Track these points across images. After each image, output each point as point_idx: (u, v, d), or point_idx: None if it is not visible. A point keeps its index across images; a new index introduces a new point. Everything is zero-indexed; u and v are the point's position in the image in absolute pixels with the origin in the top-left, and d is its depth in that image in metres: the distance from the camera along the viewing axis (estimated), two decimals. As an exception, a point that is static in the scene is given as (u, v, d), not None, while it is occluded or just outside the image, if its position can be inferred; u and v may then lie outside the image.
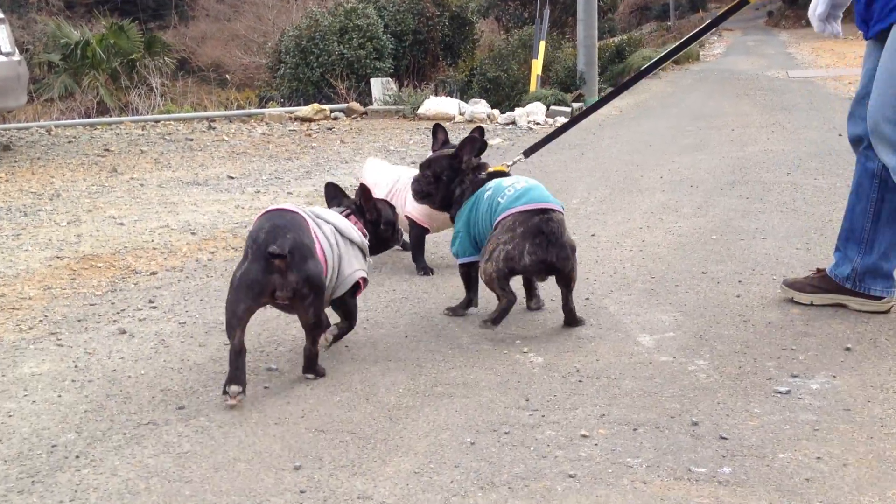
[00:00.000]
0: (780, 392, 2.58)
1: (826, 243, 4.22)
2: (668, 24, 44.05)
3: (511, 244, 3.10)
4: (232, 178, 6.99)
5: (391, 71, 15.21)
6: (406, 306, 3.60)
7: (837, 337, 3.01)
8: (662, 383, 2.70)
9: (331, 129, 10.15)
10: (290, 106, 12.72)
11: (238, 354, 2.62)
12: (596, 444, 2.31)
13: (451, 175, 3.46)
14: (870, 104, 3.01)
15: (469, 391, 2.71)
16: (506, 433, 2.40)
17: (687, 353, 2.95)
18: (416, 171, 3.67)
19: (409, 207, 3.96)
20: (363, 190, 3.10)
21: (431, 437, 2.40)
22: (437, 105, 11.06)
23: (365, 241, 3.04)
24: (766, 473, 2.11)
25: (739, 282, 3.73)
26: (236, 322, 2.63)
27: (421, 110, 11.04)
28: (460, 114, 10.85)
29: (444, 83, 15.34)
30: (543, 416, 2.50)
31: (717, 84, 15.06)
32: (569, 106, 11.39)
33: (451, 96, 12.78)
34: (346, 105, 11.79)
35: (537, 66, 13.50)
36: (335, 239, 2.86)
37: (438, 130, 3.68)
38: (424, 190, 3.51)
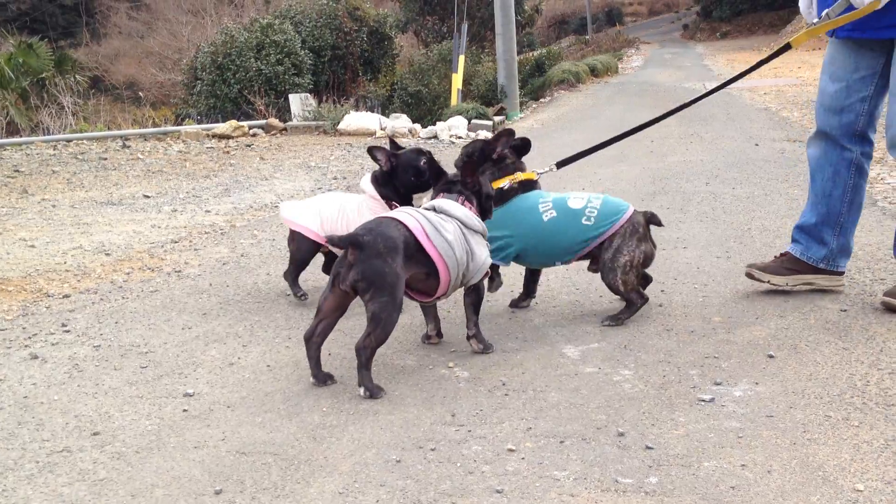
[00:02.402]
0: (703, 400, 2.59)
1: (745, 251, 4.30)
2: (587, 37, 44.73)
3: (640, 248, 3.31)
4: (148, 197, 6.81)
5: (310, 86, 15.09)
6: (329, 324, 3.53)
7: (759, 344, 3.04)
8: (588, 395, 2.69)
9: (250, 146, 10.00)
10: (207, 123, 12.49)
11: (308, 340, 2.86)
12: (523, 458, 2.28)
13: (481, 158, 3.45)
14: (890, 115, 3.21)
15: (394, 408, 2.65)
16: (432, 450, 2.36)
17: (612, 363, 2.95)
18: (348, 197, 3.80)
19: None
20: (466, 167, 3.13)
21: (356, 456, 2.34)
22: (358, 120, 11.00)
23: (484, 227, 3.07)
24: (691, 482, 2.10)
25: (662, 291, 3.75)
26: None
27: (341, 126, 10.96)
28: (381, 129, 10.81)
29: (364, 98, 15.30)
30: (470, 431, 2.47)
31: (635, 96, 15.33)
32: (490, 119, 11.44)
33: (373, 111, 12.74)
34: (265, 121, 11.64)
35: (457, 81, 13.55)
36: (461, 234, 2.93)
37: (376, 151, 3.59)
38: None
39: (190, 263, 4.64)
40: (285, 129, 11.51)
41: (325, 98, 13.55)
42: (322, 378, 2.88)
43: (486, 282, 3.14)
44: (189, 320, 3.65)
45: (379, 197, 3.62)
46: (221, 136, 10.74)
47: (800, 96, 12.55)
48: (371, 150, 3.58)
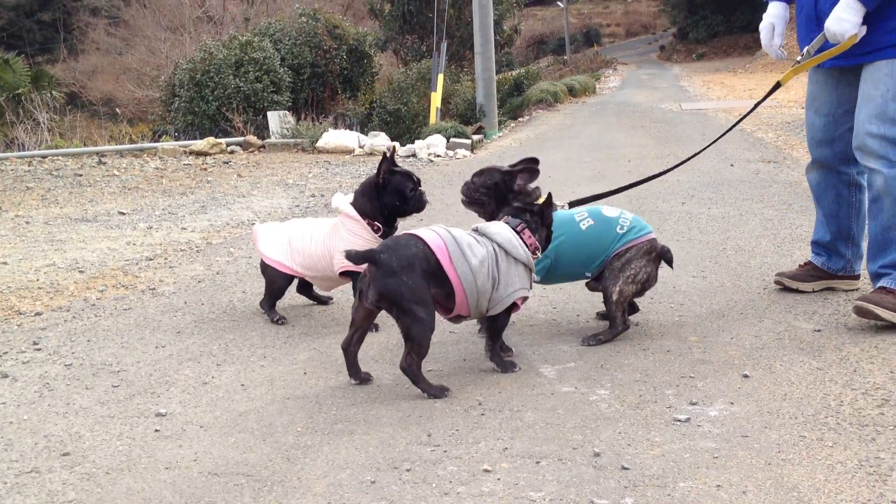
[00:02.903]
0: (679, 420, 2.59)
1: (720, 270, 4.32)
2: (565, 58, 45.11)
3: (647, 268, 3.38)
4: (123, 213, 6.76)
5: (289, 104, 15.08)
6: (305, 342, 3.51)
7: (734, 364, 3.05)
8: (564, 414, 2.68)
9: (227, 163, 9.96)
10: (184, 140, 12.44)
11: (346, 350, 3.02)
12: (499, 479, 2.27)
13: (504, 192, 3.41)
14: (858, 123, 3.46)
15: (370, 428, 2.63)
16: (407, 470, 2.34)
17: (588, 383, 2.94)
18: (319, 222, 3.79)
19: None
20: (547, 201, 3.13)
21: (331, 477, 2.31)
22: (337, 138, 10.99)
23: (531, 259, 3.05)
24: (667, 503, 2.10)
25: (639, 310, 3.76)
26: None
27: (320, 143, 10.95)
28: (360, 147, 10.80)
29: (343, 116, 15.30)
30: (445, 451, 2.45)
31: (613, 116, 15.44)
32: (469, 138, 11.47)
33: (352, 129, 12.73)
34: (243, 138, 11.60)
35: (436, 99, 13.59)
36: (494, 260, 2.94)
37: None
38: (474, 196, 3.47)
39: (165, 281, 4.60)
40: (263, 146, 11.48)
41: (303, 116, 13.53)
42: (362, 377, 3.04)
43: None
44: (163, 339, 3.61)
45: (358, 216, 3.57)
46: (199, 153, 10.70)
47: (774, 118, 12.67)
48: (384, 155, 3.56)
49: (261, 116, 13.79)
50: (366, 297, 2.84)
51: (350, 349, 3.00)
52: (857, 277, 3.89)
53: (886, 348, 3.10)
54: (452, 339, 3.46)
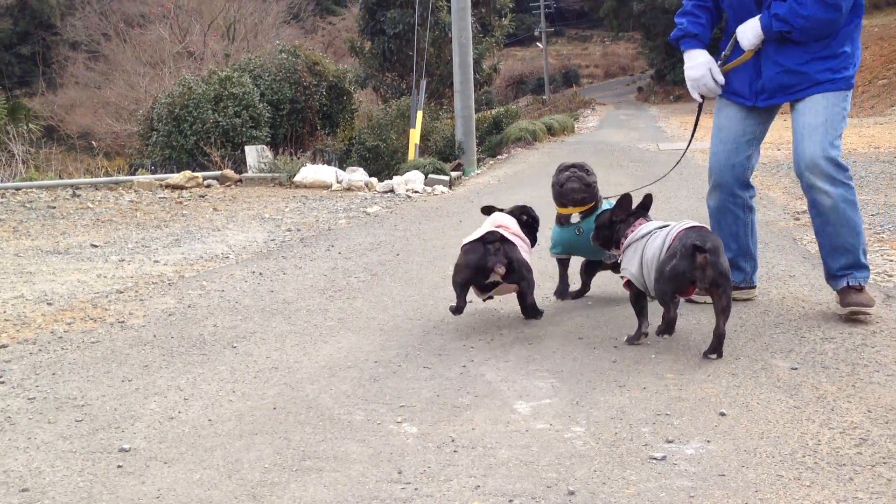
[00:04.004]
0: (655, 458, 2.54)
1: (696, 308, 4.29)
2: (544, 97, 45.56)
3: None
4: (95, 246, 6.67)
5: (268, 139, 15.07)
6: (276, 376, 3.44)
7: (711, 401, 3.01)
8: (539, 452, 2.63)
9: (203, 197, 9.89)
10: (161, 173, 12.36)
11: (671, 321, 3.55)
12: (471, 518, 2.21)
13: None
14: (804, 150, 3.89)
15: (339, 465, 2.57)
16: (377, 509, 2.28)
17: (563, 419, 2.89)
18: None
19: None
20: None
21: (297, 517, 2.25)
22: (315, 173, 10.96)
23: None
24: (643, 543, 2.05)
25: (615, 347, 3.72)
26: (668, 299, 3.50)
27: (297, 178, 10.91)
28: (338, 182, 10.77)
29: (322, 152, 15.30)
30: (416, 489, 2.39)
31: (591, 155, 15.50)
32: (447, 175, 11.48)
33: (330, 164, 12.71)
34: (220, 172, 11.53)
35: (415, 136, 13.62)
36: None
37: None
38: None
39: (134, 314, 4.52)
40: (240, 180, 11.42)
41: (282, 151, 13.50)
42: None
43: None
44: (129, 372, 3.53)
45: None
46: (175, 187, 10.62)
47: (751, 158, 12.77)
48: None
49: (239, 151, 13.75)
50: (705, 278, 3.33)
51: (675, 317, 3.54)
52: (754, 287, 4.44)
53: (863, 387, 3.07)
54: (426, 374, 3.41)
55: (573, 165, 4.41)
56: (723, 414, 2.88)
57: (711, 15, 4.17)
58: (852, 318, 3.87)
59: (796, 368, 3.31)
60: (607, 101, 45.27)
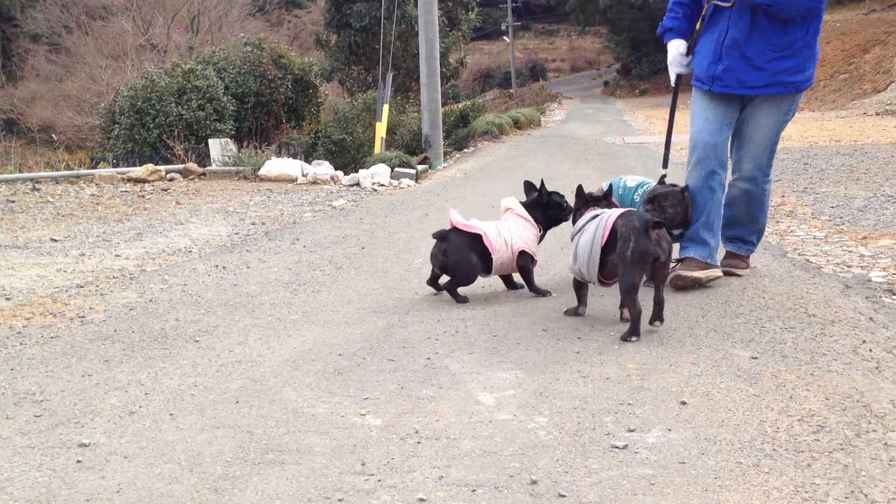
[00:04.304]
0: (617, 447, 2.56)
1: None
2: (510, 91, 45.60)
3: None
4: (55, 240, 6.58)
5: (233, 132, 14.94)
6: (239, 370, 3.41)
7: (672, 391, 3.04)
8: (502, 442, 2.64)
9: (166, 191, 9.79)
10: (123, 167, 12.21)
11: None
12: (433, 509, 2.21)
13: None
14: (744, 161, 4.60)
15: (302, 458, 2.56)
16: (339, 500, 2.27)
17: (527, 410, 2.90)
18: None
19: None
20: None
21: (259, 510, 2.23)
22: (279, 166, 10.88)
23: None
24: (604, 530, 2.06)
25: (579, 338, 3.74)
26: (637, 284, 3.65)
27: (262, 171, 10.83)
28: (303, 175, 10.72)
29: (288, 145, 15.20)
30: (380, 480, 2.39)
31: (557, 148, 15.56)
32: (413, 168, 11.46)
33: (296, 158, 12.63)
34: (183, 166, 11.42)
35: (381, 129, 13.58)
36: None
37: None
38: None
39: (95, 309, 4.47)
40: (204, 173, 11.31)
41: (247, 144, 13.38)
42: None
43: None
44: (89, 367, 3.49)
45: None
46: (137, 180, 10.50)
47: (714, 151, 12.88)
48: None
49: (203, 144, 13.61)
50: (662, 252, 3.61)
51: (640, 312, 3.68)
52: (718, 266, 4.63)
53: (822, 375, 3.12)
54: (390, 367, 3.40)
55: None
56: (684, 403, 2.91)
57: (688, 8, 4.50)
58: (726, 274, 4.66)
59: (756, 358, 3.35)
60: (574, 94, 45.42)
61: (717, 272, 4.56)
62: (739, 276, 4.72)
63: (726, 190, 4.66)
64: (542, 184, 4.67)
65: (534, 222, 4.55)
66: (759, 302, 4.20)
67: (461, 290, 4.48)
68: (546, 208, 4.61)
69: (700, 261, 4.52)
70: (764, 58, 4.26)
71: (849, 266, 4.97)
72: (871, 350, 3.39)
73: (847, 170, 9.43)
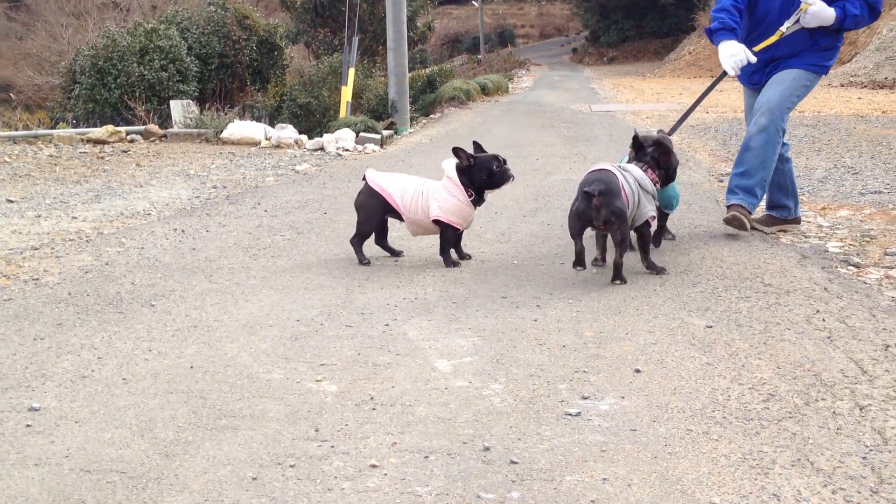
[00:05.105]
0: (570, 414, 2.58)
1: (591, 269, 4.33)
2: (479, 57, 45.29)
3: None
4: (11, 201, 6.46)
5: (196, 94, 14.70)
6: (194, 335, 3.38)
7: (627, 359, 3.06)
8: (457, 409, 2.64)
9: (126, 152, 9.63)
10: (84, 128, 11.98)
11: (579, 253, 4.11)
12: (385, 474, 2.21)
13: (640, 145, 4.41)
14: (765, 102, 4.83)
15: (255, 423, 2.55)
16: (291, 466, 2.26)
17: (483, 377, 2.91)
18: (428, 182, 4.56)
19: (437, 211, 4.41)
20: (660, 146, 4.28)
21: (210, 474, 2.22)
22: (242, 129, 10.75)
23: (654, 189, 4.18)
24: (553, 496, 2.08)
25: (538, 306, 3.75)
26: (575, 234, 4.07)
27: (224, 134, 10.69)
28: (266, 139, 10.60)
29: (252, 108, 15.00)
30: (333, 446, 2.38)
31: (524, 115, 15.52)
32: (379, 133, 11.38)
33: (261, 121, 12.48)
34: (144, 127, 11.23)
35: (347, 93, 13.45)
36: (636, 187, 4.05)
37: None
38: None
39: (49, 271, 4.40)
40: (165, 135, 11.14)
41: (209, 106, 13.18)
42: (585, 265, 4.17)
43: (653, 226, 4.21)
44: (42, 330, 3.44)
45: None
46: (97, 142, 10.31)
47: (680, 121, 12.92)
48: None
49: (165, 106, 13.39)
50: (599, 217, 3.90)
51: (582, 249, 4.09)
52: (799, 220, 5.20)
53: (774, 344, 3.16)
54: (348, 333, 3.39)
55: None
56: (638, 371, 2.93)
57: (742, 15, 4.77)
58: (727, 222, 4.87)
59: (711, 326, 3.39)
60: (542, 61, 45.25)
61: (790, 227, 5.19)
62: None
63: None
64: (478, 146, 4.59)
65: (462, 187, 4.41)
66: (716, 271, 4.24)
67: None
68: (473, 172, 4.42)
69: (777, 217, 5.19)
70: (800, 48, 4.79)
71: (807, 236, 5.03)
72: (824, 320, 3.43)
73: (809, 141, 9.51)
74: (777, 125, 4.76)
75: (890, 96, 15.09)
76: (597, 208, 3.89)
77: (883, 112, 12.13)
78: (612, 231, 3.98)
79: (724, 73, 4.74)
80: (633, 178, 4.09)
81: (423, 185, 4.53)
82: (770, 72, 4.90)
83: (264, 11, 23.12)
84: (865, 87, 17.39)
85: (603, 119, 14.27)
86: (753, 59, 4.59)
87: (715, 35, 4.71)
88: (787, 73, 4.81)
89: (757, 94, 5.00)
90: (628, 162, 4.34)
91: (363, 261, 4.55)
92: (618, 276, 4.06)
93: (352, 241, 4.63)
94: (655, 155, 4.28)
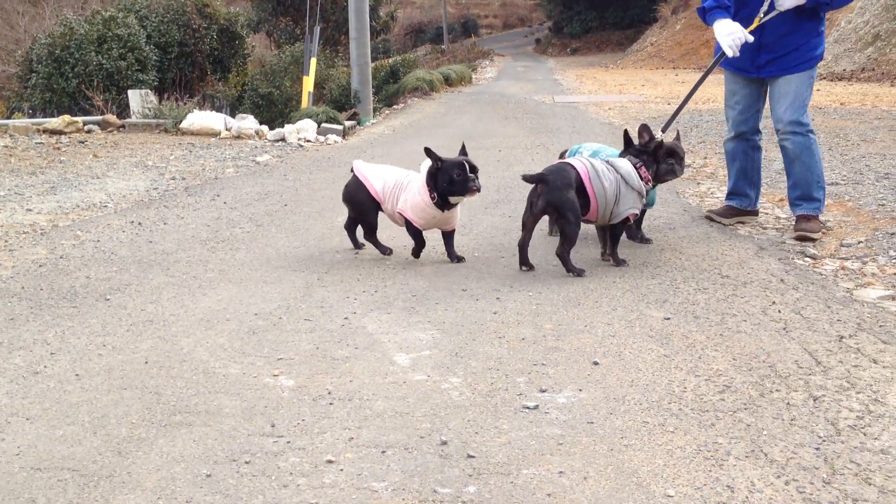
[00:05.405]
0: (528, 407, 2.58)
1: (581, 261, 4.35)
2: (443, 47, 45.26)
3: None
4: (-36, 193, 6.34)
5: (156, 83, 14.51)
6: (150, 329, 3.34)
7: (585, 351, 3.07)
8: (415, 403, 2.64)
9: (83, 143, 9.48)
10: (41, 117, 11.77)
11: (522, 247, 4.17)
12: (342, 470, 2.20)
13: (630, 141, 4.42)
14: (778, 112, 4.84)
15: (211, 419, 2.52)
16: (246, 462, 2.24)
17: (442, 370, 2.90)
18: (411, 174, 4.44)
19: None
20: (658, 147, 4.24)
21: (164, 471, 2.20)
22: (202, 119, 10.62)
23: (643, 186, 4.14)
24: (509, 490, 2.08)
25: (497, 298, 3.75)
26: (525, 224, 4.13)
27: (184, 124, 10.55)
28: (227, 129, 10.48)
29: (212, 98, 14.85)
30: (289, 442, 2.37)
31: (487, 106, 15.52)
32: (341, 124, 11.31)
33: (221, 111, 12.35)
34: (102, 117, 11.06)
35: (308, 84, 13.37)
36: (617, 183, 4.04)
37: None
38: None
39: (2, 265, 4.31)
40: (123, 126, 10.98)
41: (168, 96, 13.01)
42: (529, 265, 4.19)
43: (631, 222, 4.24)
44: (-7, 326, 3.37)
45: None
46: (53, 132, 10.13)
47: (642, 112, 13.02)
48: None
49: (123, 95, 13.20)
50: (536, 206, 3.97)
51: (524, 246, 4.14)
52: (757, 212, 5.30)
53: (731, 336, 3.18)
54: (306, 327, 3.37)
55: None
56: (596, 363, 2.94)
57: None
58: (800, 239, 4.72)
59: (669, 318, 3.41)
60: (506, 52, 45.30)
61: (748, 217, 5.28)
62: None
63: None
64: (464, 149, 4.38)
65: (427, 189, 4.22)
66: (675, 263, 4.27)
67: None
68: (438, 176, 4.18)
69: (738, 208, 5.29)
70: (797, 43, 4.76)
71: (764, 228, 5.08)
72: (779, 311, 3.47)
73: (770, 132, 9.57)
74: (805, 130, 4.78)
75: (848, 88, 15.30)
76: (537, 196, 3.97)
77: (841, 104, 12.29)
78: (554, 221, 4.07)
79: (722, 55, 4.76)
80: (615, 175, 4.07)
81: (405, 177, 4.43)
82: (762, 65, 4.85)
83: (225, 0, 22.87)
84: (824, 78, 17.60)
85: (566, 110, 14.31)
86: (751, 39, 4.58)
87: (709, 14, 4.69)
88: (787, 85, 4.80)
89: (743, 80, 5.02)
90: (620, 156, 4.30)
91: (385, 251, 4.56)
92: (567, 268, 4.08)
93: (365, 238, 4.61)
94: (651, 152, 4.25)
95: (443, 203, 4.23)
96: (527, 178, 4.01)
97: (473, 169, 4.18)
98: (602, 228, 4.33)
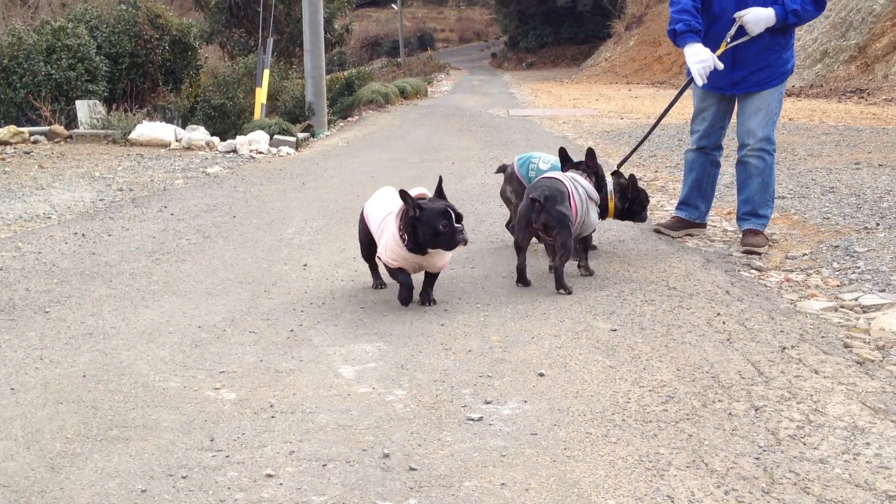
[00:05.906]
0: (472, 419, 2.56)
1: (529, 273, 4.35)
2: (398, 60, 45.34)
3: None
4: None
5: (106, 94, 14.30)
6: (89, 343, 3.27)
7: (532, 362, 3.06)
8: (358, 415, 2.61)
9: (29, 154, 9.30)
10: (-14, 128, 11.51)
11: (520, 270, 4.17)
12: (281, 484, 2.16)
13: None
14: (747, 128, 4.89)
15: (148, 433, 2.46)
16: (183, 477, 2.20)
17: (386, 383, 2.88)
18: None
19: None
20: (590, 158, 4.35)
21: (97, 487, 2.14)
22: (151, 130, 10.49)
23: (598, 198, 4.28)
24: (450, 503, 2.05)
25: (445, 310, 3.74)
26: (520, 242, 4.12)
27: (133, 135, 10.41)
28: (177, 140, 10.36)
29: (164, 109, 14.69)
30: (228, 456, 2.32)
31: (442, 119, 15.55)
32: (294, 136, 11.24)
33: (173, 122, 12.21)
34: (49, 128, 10.87)
35: (261, 95, 13.29)
36: (586, 198, 4.14)
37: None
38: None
39: (-62, 277, 4.21)
40: (70, 136, 10.80)
41: (118, 107, 12.82)
42: (528, 283, 4.17)
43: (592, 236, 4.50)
44: (-75, 339, 3.28)
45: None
46: (-1, 142, 9.94)
47: (595, 126, 13.13)
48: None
49: (73, 106, 12.98)
50: (536, 221, 3.94)
51: (523, 269, 4.15)
52: (705, 225, 5.38)
53: (675, 347, 3.20)
54: (251, 339, 3.32)
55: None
56: (542, 374, 2.94)
57: (699, 13, 4.75)
58: (746, 253, 4.78)
59: (616, 330, 3.42)
60: (462, 66, 45.52)
61: (696, 231, 5.36)
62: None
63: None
64: (440, 189, 3.80)
65: (399, 231, 3.70)
66: (623, 275, 4.29)
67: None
68: (417, 225, 3.63)
69: (687, 220, 5.37)
70: (768, 60, 4.79)
71: (712, 241, 5.13)
72: (724, 322, 3.50)
73: (731, 150, 9.72)
74: (772, 149, 4.87)
75: (797, 104, 15.57)
76: (538, 212, 3.92)
77: (789, 119, 12.51)
78: (553, 236, 3.96)
79: (690, 81, 4.72)
80: (584, 189, 4.15)
81: (388, 216, 3.86)
82: (737, 81, 4.84)
83: (178, 11, 22.64)
84: (773, 95, 17.89)
85: (520, 124, 14.38)
86: (720, 66, 4.56)
87: (679, 37, 4.67)
88: (760, 101, 4.83)
89: (715, 97, 5.03)
90: (563, 172, 4.32)
91: (376, 285, 4.14)
92: (560, 284, 4.00)
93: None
94: (591, 166, 4.36)
95: (415, 248, 3.67)
96: (534, 200, 3.89)
97: (459, 218, 3.62)
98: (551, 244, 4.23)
